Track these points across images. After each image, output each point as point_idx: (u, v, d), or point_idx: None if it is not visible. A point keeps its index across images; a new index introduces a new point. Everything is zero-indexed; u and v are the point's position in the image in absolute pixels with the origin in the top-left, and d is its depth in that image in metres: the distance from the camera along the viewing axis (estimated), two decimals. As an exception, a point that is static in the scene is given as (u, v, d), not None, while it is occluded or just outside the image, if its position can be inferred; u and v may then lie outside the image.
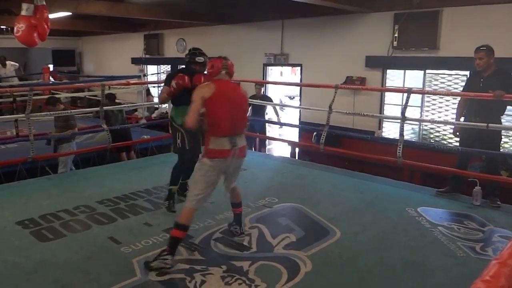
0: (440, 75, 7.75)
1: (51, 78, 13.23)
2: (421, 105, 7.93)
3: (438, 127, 7.88)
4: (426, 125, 8.05)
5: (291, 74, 12.39)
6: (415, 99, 7.95)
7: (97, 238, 4.08)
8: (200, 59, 4.76)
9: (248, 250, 3.81)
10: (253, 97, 8.90)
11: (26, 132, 7.21)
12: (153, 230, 4.23)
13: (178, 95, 4.58)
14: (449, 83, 7.62)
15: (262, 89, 9.01)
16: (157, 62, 13.81)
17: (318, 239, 4.04)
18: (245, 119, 3.93)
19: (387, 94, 8.42)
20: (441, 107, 7.76)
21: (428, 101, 7.91)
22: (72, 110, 6.57)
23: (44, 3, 6.69)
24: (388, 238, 4.12)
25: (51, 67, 16.52)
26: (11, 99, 9.33)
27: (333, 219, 4.53)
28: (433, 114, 7.89)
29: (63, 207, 4.87)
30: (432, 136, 8.05)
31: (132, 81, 8.96)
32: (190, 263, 3.59)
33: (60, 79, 14.55)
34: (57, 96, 12.08)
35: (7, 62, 11.61)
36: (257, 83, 8.92)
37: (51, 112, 5.98)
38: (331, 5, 7.87)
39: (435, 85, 7.79)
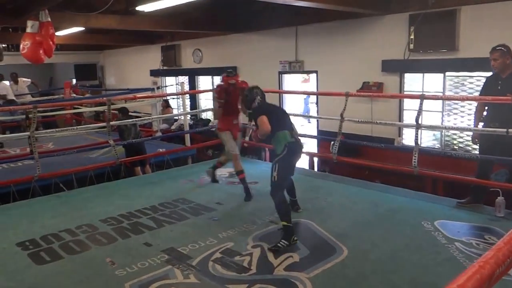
0: (461, 77, 7.38)
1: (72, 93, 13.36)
2: (442, 110, 7.57)
3: (461, 132, 7.49)
4: (448, 132, 7.67)
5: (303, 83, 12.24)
6: (436, 104, 7.61)
7: (93, 260, 3.96)
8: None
9: (247, 272, 3.60)
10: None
11: (45, 149, 7.31)
12: (151, 251, 4.08)
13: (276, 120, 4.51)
14: (472, 85, 7.24)
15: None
16: (175, 73, 13.80)
17: (323, 258, 3.80)
18: None
19: (406, 99, 8.08)
20: (463, 112, 7.38)
21: (449, 106, 7.54)
22: (78, 126, 6.46)
23: (49, 19, 6.70)
24: (399, 256, 3.84)
25: (74, 81, 16.80)
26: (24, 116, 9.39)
27: (341, 235, 4.28)
28: (455, 119, 7.51)
29: (66, 226, 4.80)
30: (455, 142, 7.66)
31: (140, 94, 8.90)
32: (184, 287, 3.41)
33: (82, 93, 14.72)
34: (81, 111, 12.36)
35: (19, 79, 11.73)
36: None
37: (57, 129, 5.92)
38: (344, 9, 7.63)
39: (462, 90, 7.41)
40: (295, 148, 4.48)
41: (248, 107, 4.81)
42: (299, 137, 4.65)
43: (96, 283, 3.54)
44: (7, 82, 10.79)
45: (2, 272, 3.81)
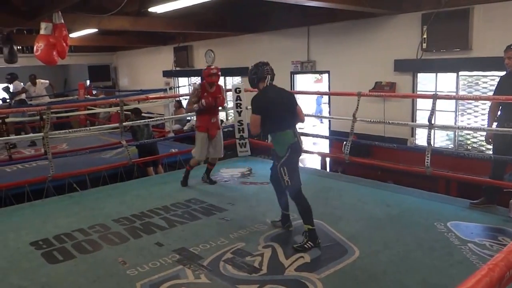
0: (474, 77, 7.31)
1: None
2: (455, 110, 7.49)
3: (475, 133, 7.40)
4: (462, 132, 7.59)
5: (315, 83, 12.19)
6: (449, 103, 7.54)
7: (105, 260, 3.99)
8: None
9: (258, 273, 3.60)
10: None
11: (59, 149, 7.37)
12: (163, 251, 4.10)
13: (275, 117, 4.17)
14: (486, 84, 7.16)
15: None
16: (187, 74, 13.85)
17: (334, 259, 3.79)
18: None
19: (419, 99, 8.01)
20: (477, 111, 7.30)
21: (463, 105, 7.47)
22: (91, 127, 6.52)
23: (63, 21, 6.76)
24: (411, 257, 3.81)
25: (87, 82, 16.96)
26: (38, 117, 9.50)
27: (353, 236, 4.26)
28: (468, 119, 7.44)
29: (79, 226, 4.84)
30: (469, 142, 7.58)
31: (153, 95, 8.96)
32: (195, 287, 3.43)
33: (96, 94, 14.85)
34: (95, 111, 12.49)
35: (37, 81, 11.87)
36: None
37: (70, 130, 5.98)
38: (356, 9, 7.60)
39: (476, 89, 7.32)
40: (297, 148, 4.24)
41: (254, 85, 4.38)
42: (299, 134, 4.35)
43: (108, 283, 3.56)
44: (21, 83, 10.91)
45: (16, 271, 3.86)
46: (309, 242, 4.00)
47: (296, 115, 4.31)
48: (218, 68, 5.98)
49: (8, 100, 11.17)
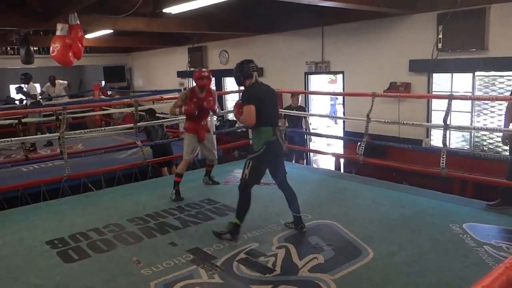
0: (491, 77, 7.21)
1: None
2: (471, 110, 7.41)
3: (491, 133, 7.30)
4: (478, 132, 7.49)
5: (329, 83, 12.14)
6: (465, 104, 7.46)
7: (120, 259, 4.02)
8: None
9: (271, 273, 3.60)
10: (288, 107, 8.72)
11: (75, 149, 7.42)
12: (177, 251, 4.12)
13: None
14: (502, 85, 7.07)
15: (300, 99, 8.75)
16: (202, 75, 13.86)
17: (348, 260, 3.77)
18: None
19: (434, 100, 7.94)
20: (493, 112, 7.21)
21: (479, 106, 7.37)
22: (106, 127, 6.58)
23: (78, 22, 6.83)
24: (426, 259, 3.77)
25: (103, 83, 17.12)
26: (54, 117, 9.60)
27: (367, 237, 4.23)
28: (485, 120, 7.34)
29: (94, 225, 4.88)
30: (485, 143, 7.49)
31: (167, 95, 8.99)
32: (208, 287, 3.44)
33: (112, 95, 14.98)
34: (109, 112, 12.60)
35: (56, 81, 12.03)
36: (293, 93, 8.72)
37: (86, 130, 6.05)
38: (371, 9, 7.55)
39: (492, 90, 7.23)
40: (274, 148, 4.24)
41: (240, 83, 4.42)
42: (282, 134, 4.37)
43: (122, 282, 3.59)
44: (37, 85, 11.06)
45: (32, 269, 3.90)
46: (227, 234, 4.22)
47: (277, 109, 4.49)
48: (209, 71, 5.89)
49: (24, 101, 11.31)
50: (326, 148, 10.60)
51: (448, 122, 5.45)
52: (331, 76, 11.65)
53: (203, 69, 5.97)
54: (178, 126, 10.75)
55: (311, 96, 10.28)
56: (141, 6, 7.85)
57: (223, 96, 13.03)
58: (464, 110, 7.48)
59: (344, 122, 9.73)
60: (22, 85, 10.37)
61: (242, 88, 4.55)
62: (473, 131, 7.42)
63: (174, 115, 6.31)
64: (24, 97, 10.86)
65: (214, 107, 5.91)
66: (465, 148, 7.67)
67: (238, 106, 4.33)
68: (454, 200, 5.43)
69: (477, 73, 7.29)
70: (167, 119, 8.26)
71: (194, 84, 5.98)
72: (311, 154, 9.83)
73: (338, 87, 11.06)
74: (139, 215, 5.17)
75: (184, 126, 6.04)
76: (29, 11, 8.07)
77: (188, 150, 5.89)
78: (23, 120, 8.74)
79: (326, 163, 9.93)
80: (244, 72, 4.31)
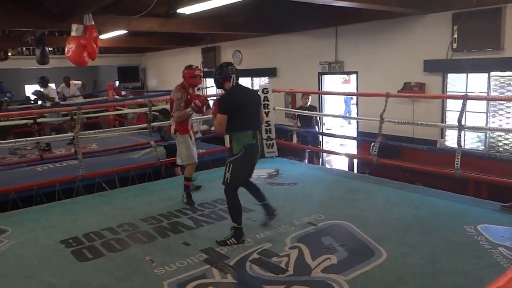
0: (507, 77, 7.12)
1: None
2: (486, 111, 7.32)
3: (507, 134, 7.21)
4: (493, 133, 7.41)
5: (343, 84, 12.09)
6: (481, 104, 7.37)
7: (133, 258, 4.06)
8: None
9: (284, 273, 3.60)
10: (300, 108, 8.70)
11: (89, 149, 7.47)
12: (190, 250, 4.14)
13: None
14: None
15: (310, 99, 8.73)
16: (215, 75, 13.90)
17: (362, 261, 3.75)
18: None
19: (449, 100, 7.87)
20: (509, 112, 7.12)
21: (494, 106, 7.29)
22: (120, 127, 6.63)
23: (93, 23, 6.89)
24: (440, 260, 3.74)
25: (117, 83, 17.25)
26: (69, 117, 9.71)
27: (380, 238, 4.21)
28: (500, 120, 7.26)
29: (108, 225, 4.93)
30: (500, 144, 7.40)
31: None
32: (221, 286, 3.46)
33: (125, 95, 15.09)
34: (123, 112, 12.70)
35: (71, 82, 12.17)
36: (303, 93, 8.70)
37: (100, 130, 6.10)
38: (385, 8, 7.51)
39: (508, 90, 7.13)
40: (253, 150, 4.32)
41: (219, 86, 4.44)
42: (260, 135, 4.43)
43: (136, 281, 3.62)
44: (52, 85, 11.19)
45: (46, 268, 3.95)
46: (232, 239, 4.20)
47: (259, 110, 4.52)
48: (201, 69, 5.68)
49: (39, 102, 11.43)
50: (339, 149, 10.56)
51: (463, 123, 5.38)
52: (345, 76, 11.60)
53: (194, 66, 5.64)
54: (192, 126, 10.80)
55: (325, 96, 10.26)
56: (155, 7, 7.90)
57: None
58: (479, 110, 7.40)
59: (357, 122, 9.68)
60: (40, 89, 10.52)
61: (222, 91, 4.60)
62: (488, 132, 7.33)
63: (184, 117, 5.54)
64: (41, 101, 10.96)
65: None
66: (480, 149, 7.59)
67: (216, 106, 4.34)
68: (468, 201, 5.37)
69: (492, 73, 7.21)
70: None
71: (181, 82, 5.60)
72: (324, 154, 9.80)
73: (351, 88, 11.00)
74: (152, 215, 5.20)
75: (175, 128, 5.60)
76: (45, 12, 8.16)
77: (190, 153, 5.63)
78: (38, 120, 8.84)
79: (339, 163, 9.88)
80: (223, 75, 4.34)
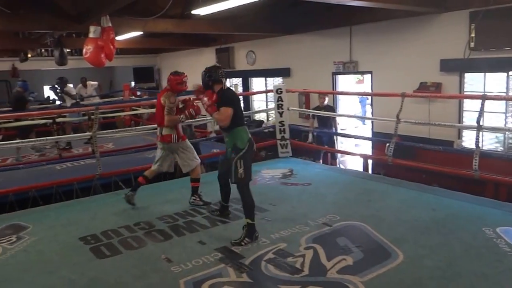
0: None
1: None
2: (505, 111, 7.22)
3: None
4: (512, 133, 7.30)
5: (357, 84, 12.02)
6: (499, 104, 7.27)
7: (150, 256, 4.09)
8: None
9: (299, 274, 3.60)
10: (316, 108, 8.67)
11: (106, 148, 7.51)
12: (205, 249, 4.17)
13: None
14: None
15: (326, 99, 8.69)
16: (229, 75, 13.93)
17: (378, 262, 3.73)
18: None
19: (466, 100, 7.77)
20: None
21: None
22: (136, 127, 6.69)
23: (110, 24, 6.96)
24: (458, 263, 3.70)
25: (132, 84, 17.39)
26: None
27: (397, 240, 4.18)
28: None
29: (125, 223, 5.00)
30: (519, 145, 7.30)
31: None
32: (237, 286, 3.47)
33: (141, 95, 15.21)
34: (139, 112, 12.79)
35: (88, 82, 12.32)
36: (320, 93, 8.67)
37: (117, 130, 6.16)
38: (400, 7, 7.45)
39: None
40: (253, 144, 4.49)
41: (208, 88, 4.46)
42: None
43: (153, 278, 3.65)
44: (71, 85, 11.32)
45: (66, 264, 4.02)
46: (246, 239, 4.22)
47: None
48: (187, 76, 5.48)
49: (57, 102, 11.58)
50: (354, 149, 10.50)
51: (481, 123, 5.32)
52: (359, 76, 11.54)
53: (181, 73, 5.46)
54: (206, 126, 10.85)
55: (339, 96, 10.21)
56: (170, 8, 7.96)
57: (250, 96, 13.09)
58: (498, 111, 7.30)
59: (372, 122, 9.62)
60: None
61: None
62: (507, 133, 7.23)
63: (176, 123, 5.41)
64: (60, 100, 11.08)
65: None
66: (499, 150, 7.49)
67: (210, 96, 4.40)
68: (487, 203, 5.28)
69: (511, 73, 7.11)
70: (195, 119, 8.31)
71: (165, 87, 5.47)
72: (339, 154, 9.76)
73: (365, 88, 10.93)
74: (168, 213, 5.25)
75: (177, 136, 5.47)
76: (63, 14, 8.28)
77: (195, 155, 5.71)
78: (57, 120, 8.97)
79: (354, 164, 9.83)
80: (212, 78, 4.44)
